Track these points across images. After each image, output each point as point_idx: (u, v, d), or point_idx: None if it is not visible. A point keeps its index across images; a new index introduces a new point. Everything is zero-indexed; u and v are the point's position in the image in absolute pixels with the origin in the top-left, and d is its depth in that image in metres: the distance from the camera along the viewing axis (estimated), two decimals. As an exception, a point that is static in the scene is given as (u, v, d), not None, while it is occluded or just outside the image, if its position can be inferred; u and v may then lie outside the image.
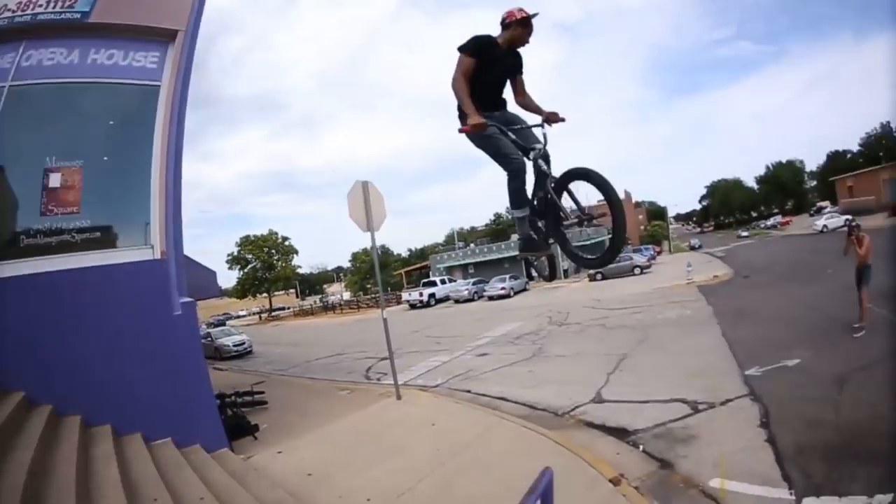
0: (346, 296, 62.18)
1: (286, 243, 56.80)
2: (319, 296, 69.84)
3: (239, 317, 59.61)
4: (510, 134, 2.77)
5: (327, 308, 42.99)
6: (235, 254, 54.71)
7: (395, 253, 78.04)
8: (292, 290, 70.28)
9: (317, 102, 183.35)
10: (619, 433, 5.97)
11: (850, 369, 6.61)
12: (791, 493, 4.07)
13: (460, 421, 6.60)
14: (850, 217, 21.42)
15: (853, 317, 8.56)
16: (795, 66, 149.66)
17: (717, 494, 4.33)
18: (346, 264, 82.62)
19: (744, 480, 4.41)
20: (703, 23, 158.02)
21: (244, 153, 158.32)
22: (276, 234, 56.40)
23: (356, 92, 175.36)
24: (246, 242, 55.06)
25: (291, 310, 50.65)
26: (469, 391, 8.25)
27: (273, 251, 55.45)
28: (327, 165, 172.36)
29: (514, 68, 2.93)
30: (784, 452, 4.79)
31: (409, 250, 78.33)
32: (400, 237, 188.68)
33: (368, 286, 63.30)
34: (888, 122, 62.98)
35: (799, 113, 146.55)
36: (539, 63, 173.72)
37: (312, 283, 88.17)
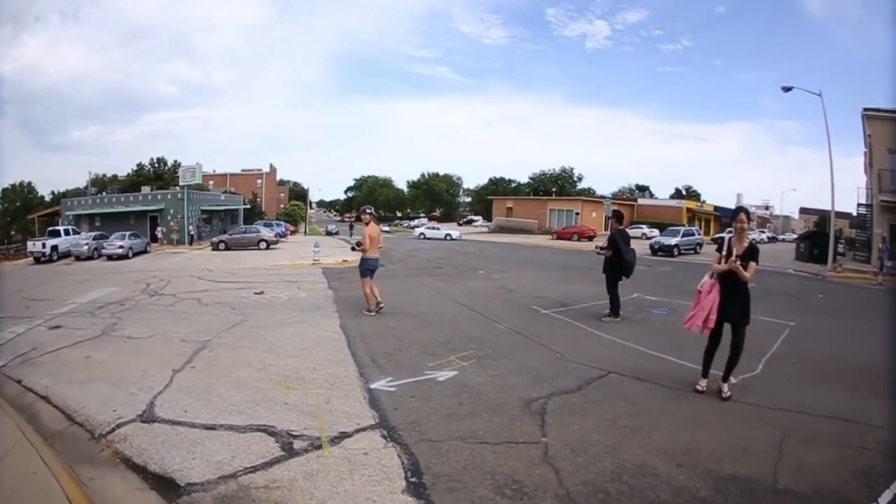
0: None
1: None
2: None
3: None
4: None
5: (-47, 257, 36.09)
6: None
7: (40, 195, 66.73)
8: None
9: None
10: (166, 487, 3.59)
11: (545, 393, 5.13)
12: None
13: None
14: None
15: (524, 317, 8.36)
16: (487, 103, 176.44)
17: None
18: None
19: None
20: (410, 38, 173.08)
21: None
22: None
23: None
24: None
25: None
26: (20, 381, 6.38)
27: None
28: (13, 76, 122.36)
29: None
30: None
31: (53, 193, 67.60)
32: (51, 176, 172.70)
33: (13, 232, 55.67)
34: (571, 169, 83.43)
35: (474, 140, 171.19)
36: (237, 20, 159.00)
37: None
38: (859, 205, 28.97)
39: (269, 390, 5.27)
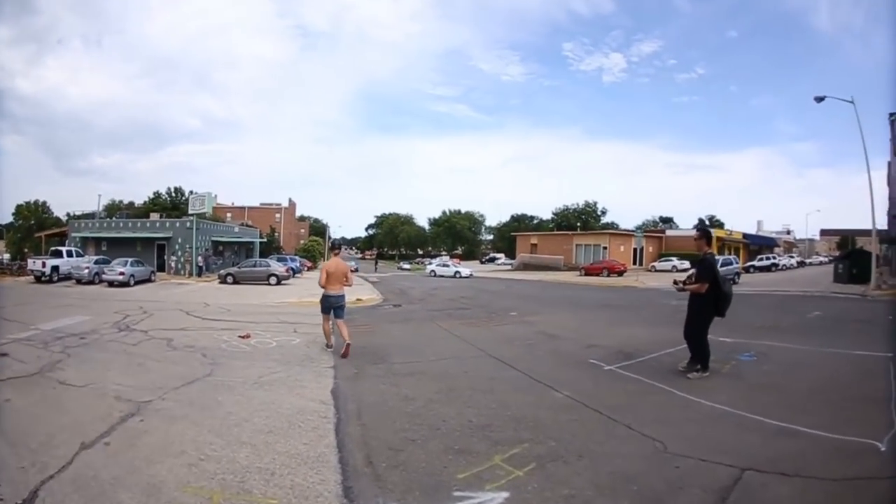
0: (7, 256, 51.68)
1: None
2: None
3: None
4: None
5: (-36, 272, 36.18)
6: None
7: (55, 215, 66.47)
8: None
9: (60, 16, 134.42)
10: None
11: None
12: None
13: None
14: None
15: (585, 377, 6.34)
16: (506, 140, 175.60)
17: None
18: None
19: None
20: (430, 76, 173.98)
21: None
22: None
23: (98, 18, 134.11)
24: None
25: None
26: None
27: None
28: (34, 96, 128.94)
29: None
30: None
31: (68, 214, 67.28)
32: (70, 198, 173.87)
33: (25, 249, 55.32)
34: (595, 203, 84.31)
35: (494, 178, 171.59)
36: (259, 55, 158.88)
37: None
38: (893, 217, 29.28)
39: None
